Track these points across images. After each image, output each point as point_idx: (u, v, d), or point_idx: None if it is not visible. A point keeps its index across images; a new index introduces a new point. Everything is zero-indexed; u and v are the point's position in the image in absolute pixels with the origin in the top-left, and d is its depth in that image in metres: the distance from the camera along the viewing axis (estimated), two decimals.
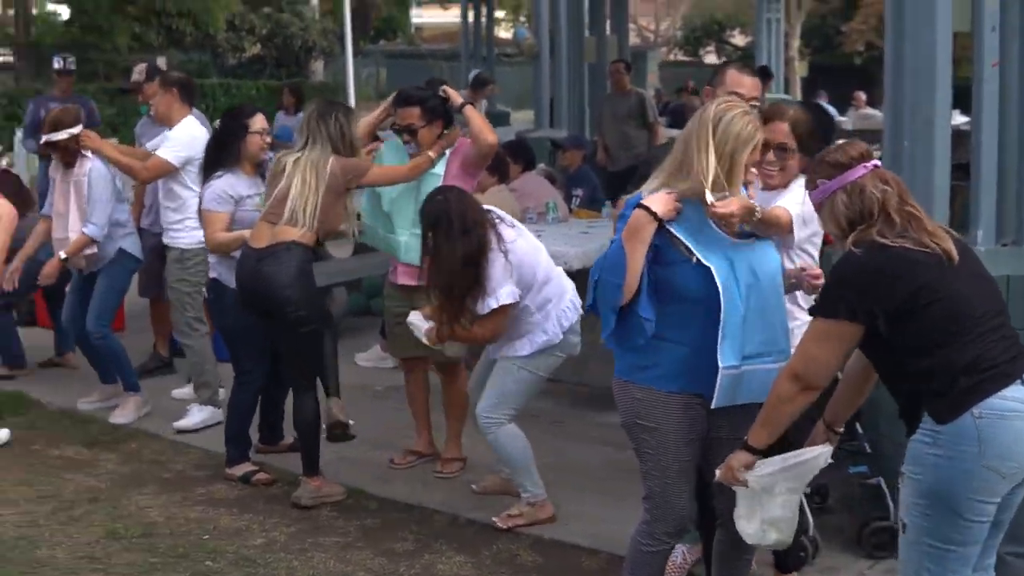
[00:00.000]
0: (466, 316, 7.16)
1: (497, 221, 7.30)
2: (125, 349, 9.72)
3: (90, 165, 9.38)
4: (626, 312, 5.26)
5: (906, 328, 4.61)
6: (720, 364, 5.16)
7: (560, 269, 7.50)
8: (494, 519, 7.42)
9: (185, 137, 9.32)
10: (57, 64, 14.05)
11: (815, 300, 5.02)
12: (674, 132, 19.35)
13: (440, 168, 8.07)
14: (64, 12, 41.29)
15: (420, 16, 65.42)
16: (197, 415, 9.34)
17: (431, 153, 8.01)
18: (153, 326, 11.01)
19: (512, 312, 7.21)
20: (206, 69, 38.84)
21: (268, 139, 8.55)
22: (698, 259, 5.17)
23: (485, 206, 7.44)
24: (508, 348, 7.34)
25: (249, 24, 39.86)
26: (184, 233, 9.28)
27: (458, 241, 7.07)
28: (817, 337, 4.78)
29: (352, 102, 20.92)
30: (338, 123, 7.86)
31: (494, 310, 7.13)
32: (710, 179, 5.13)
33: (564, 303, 7.28)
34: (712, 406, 5.26)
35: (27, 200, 9.70)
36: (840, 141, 5.07)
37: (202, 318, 9.35)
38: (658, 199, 5.20)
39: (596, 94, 19.30)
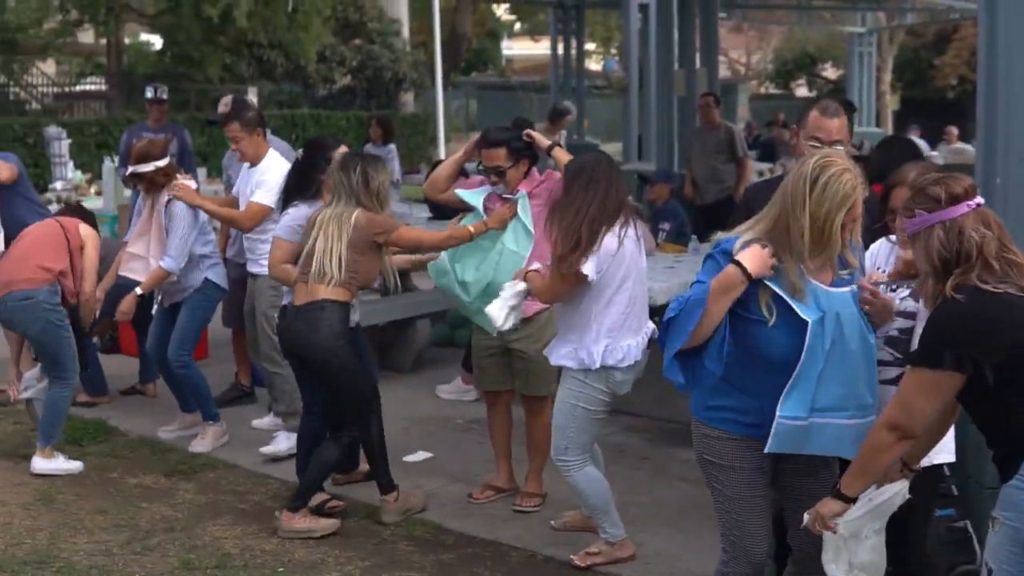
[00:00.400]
0: (564, 265, 6.93)
1: (634, 217, 7.17)
2: (206, 378, 9.69)
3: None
4: (696, 354, 5.15)
5: (1014, 377, 4.46)
6: (777, 413, 5.08)
7: (650, 325, 7.21)
8: (572, 557, 7.30)
9: (276, 178, 9.19)
10: (149, 93, 14.11)
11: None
12: (764, 166, 19.31)
13: (512, 244, 7.94)
14: (157, 42, 41.70)
15: (511, 48, 65.81)
16: (285, 442, 9.26)
17: (471, 228, 7.95)
18: (235, 356, 10.97)
19: (575, 289, 7.01)
20: (297, 100, 39.08)
21: None
22: (775, 322, 5.07)
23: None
24: (553, 349, 7.21)
25: (340, 56, 40.00)
26: None
27: (595, 198, 6.94)
28: (919, 387, 4.64)
29: (441, 133, 20.96)
30: (360, 174, 7.82)
31: (565, 273, 6.94)
32: (806, 244, 5.02)
33: (622, 342, 7.02)
34: (765, 450, 5.17)
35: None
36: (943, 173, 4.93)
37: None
38: (754, 256, 5.08)
39: (685, 127, 19.18)
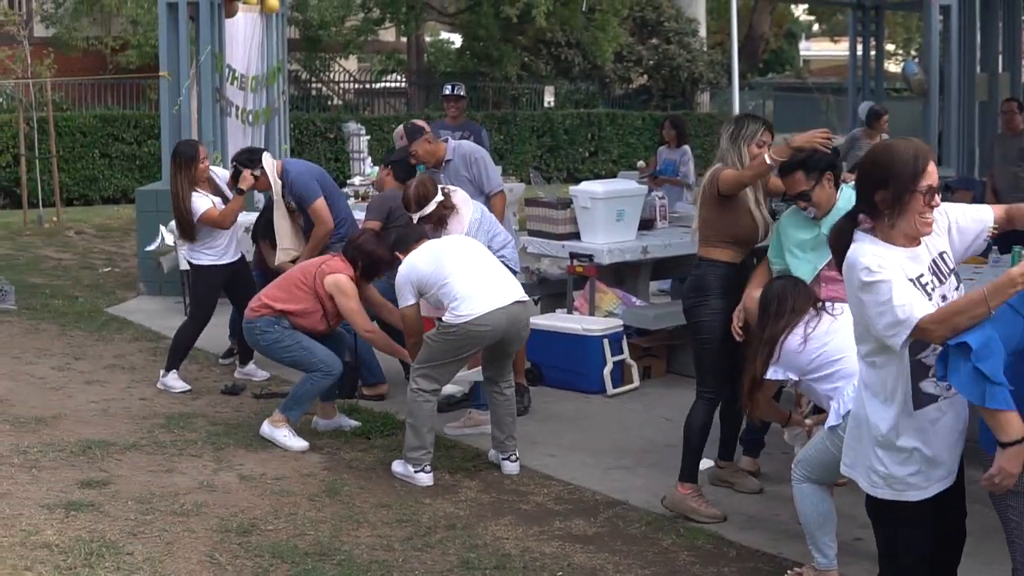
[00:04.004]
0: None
1: (814, 314, 7.29)
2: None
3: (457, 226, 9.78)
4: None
5: None
6: None
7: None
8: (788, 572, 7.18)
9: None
10: (447, 90, 14.35)
11: None
12: None
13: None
14: (456, 40, 42.26)
15: (809, 49, 65.02)
16: (399, 467, 8.99)
17: (767, 157, 7.87)
18: None
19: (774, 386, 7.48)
20: (593, 99, 39.25)
21: None
22: None
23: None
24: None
25: (636, 55, 40.02)
26: None
27: (773, 330, 7.25)
28: None
29: None
30: (731, 128, 8.18)
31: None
32: None
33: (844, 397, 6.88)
34: None
35: None
36: None
37: (433, 376, 8.86)
38: None
39: (986, 133, 18.66)
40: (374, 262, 9.59)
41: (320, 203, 10.93)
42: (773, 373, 7.21)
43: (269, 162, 11.16)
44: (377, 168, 19.95)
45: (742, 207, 8.09)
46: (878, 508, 5.54)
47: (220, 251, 11.19)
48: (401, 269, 9.01)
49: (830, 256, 7.58)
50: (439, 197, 9.65)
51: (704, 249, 8.14)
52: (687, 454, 8.14)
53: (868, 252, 5.21)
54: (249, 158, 11.32)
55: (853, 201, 7.63)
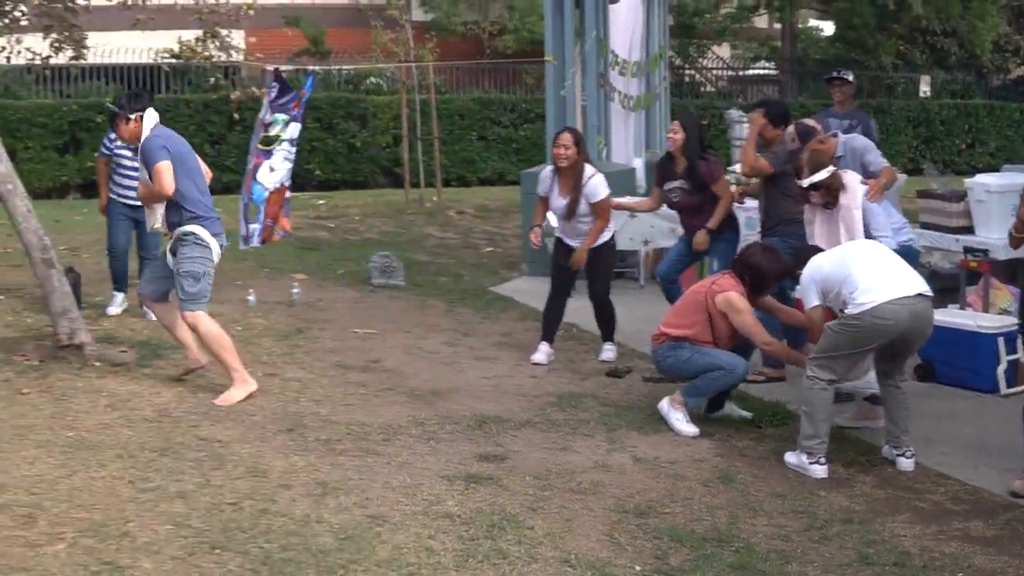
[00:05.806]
0: None
1: None
2: None
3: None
4: None
5: None
6: None
7: None
8: None
9: None
10: (833, 73, 14.24)
11: None
12: None
13: None
14: (826, 28, 41.85)
15: None
16: (792, 458, 8.94)
17: None
18: None
19: None
20: (969, 89, 38.34)
21: None
22: None
23: None
24: None
25: (1014, 45, 38.98)
26: None
27: None
28: None
29: None
30: None
31: None
32: None
33: None
34: None
35: None
36: None
37: (830, 366, 8.77)
38: None
39: None
40: (761, 276, 9.65)
41: (164, 165, 9.81)
42: None
43: (151, 118, 10.06)
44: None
45: None
46: None
47: None
48: (805, 271, 9.03)
49: None
50: (832, 167, 9.68)
51: None
52: None
53: None
54: (130, 97, 10.17)
55: None
